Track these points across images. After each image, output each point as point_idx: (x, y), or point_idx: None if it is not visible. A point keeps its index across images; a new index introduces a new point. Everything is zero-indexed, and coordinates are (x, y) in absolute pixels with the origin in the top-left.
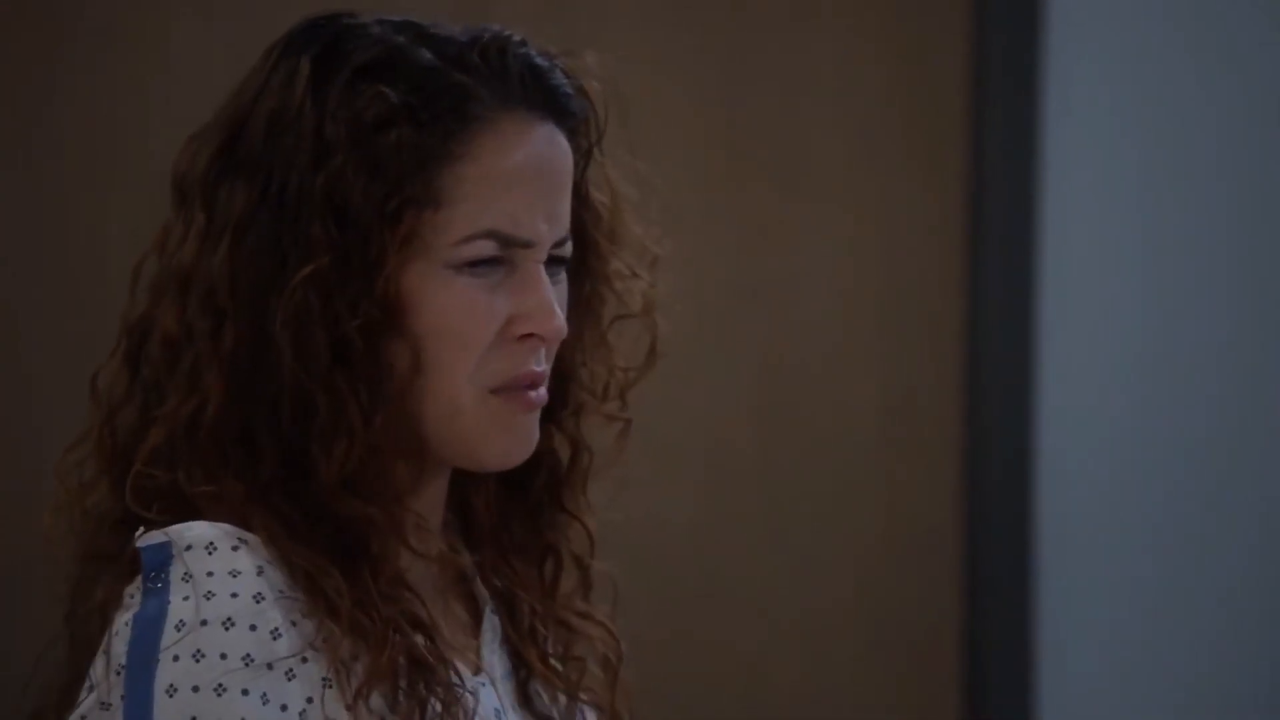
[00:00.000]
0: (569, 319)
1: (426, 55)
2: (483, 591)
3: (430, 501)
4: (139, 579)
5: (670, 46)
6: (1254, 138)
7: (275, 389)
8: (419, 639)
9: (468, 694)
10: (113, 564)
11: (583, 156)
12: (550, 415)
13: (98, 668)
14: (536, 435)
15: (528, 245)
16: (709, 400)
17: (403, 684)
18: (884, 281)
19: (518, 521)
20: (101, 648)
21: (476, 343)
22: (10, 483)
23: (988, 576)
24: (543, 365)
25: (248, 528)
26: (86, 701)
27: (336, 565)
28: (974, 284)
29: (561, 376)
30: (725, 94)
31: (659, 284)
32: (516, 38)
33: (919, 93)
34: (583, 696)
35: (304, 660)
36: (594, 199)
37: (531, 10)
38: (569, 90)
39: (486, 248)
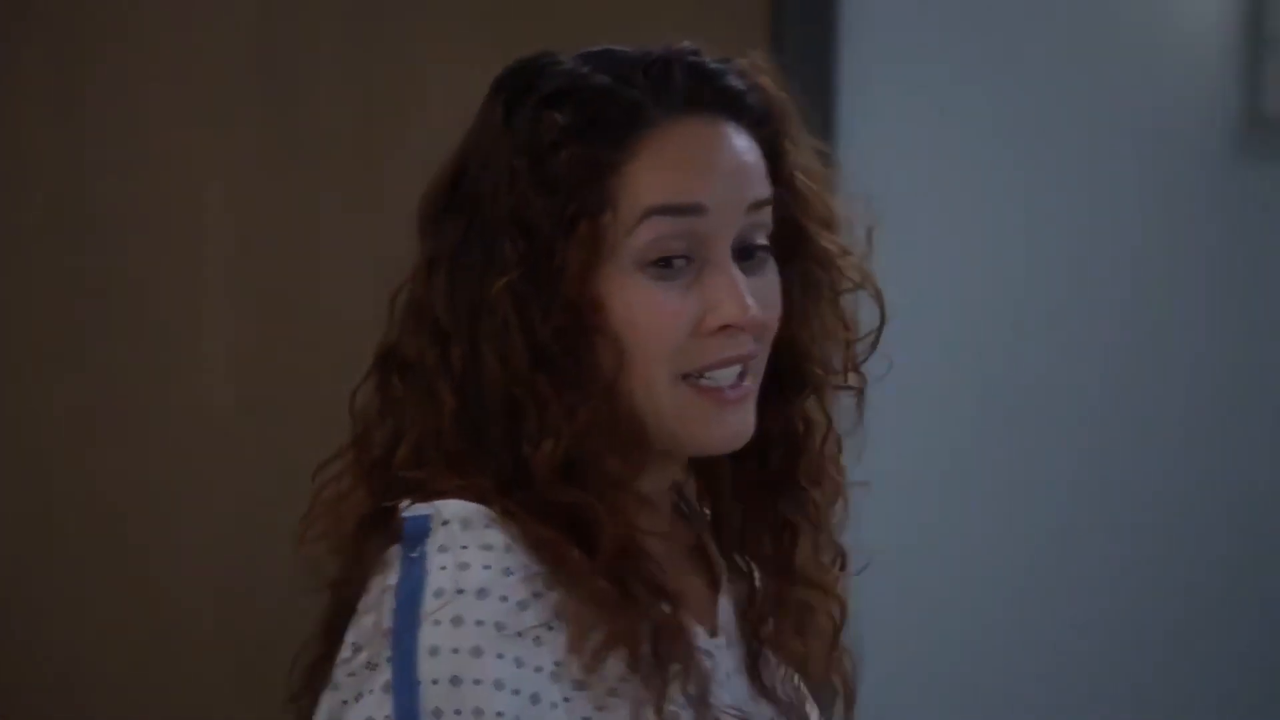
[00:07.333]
0: (790, 303)
1: (602, 79)
2: (720, 560)
3: (655, 485)
4: (396, 547)
5: None
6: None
7: (491, 397)
8: (662, 605)
9: (707, 656)
10: (369, 543)
11: (772, 147)
12: (785, 396)
13: (363, 630)
14: (750, 421)
15: (696, 210)
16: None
17: (645, 648)
18: None
19: (755, 499)
20: (361, 611)
21: (669, 337)
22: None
23: None
24: (748, 348)
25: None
26: (355, 660)
27: (573, 541)
28: None
29: (795, 357)
30: None
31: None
32: (689, 48)
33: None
34: (809, 676)
35: (549, 629)
36: (798, 184)
37: None
38: (741, 88)
39: (659, 226)
